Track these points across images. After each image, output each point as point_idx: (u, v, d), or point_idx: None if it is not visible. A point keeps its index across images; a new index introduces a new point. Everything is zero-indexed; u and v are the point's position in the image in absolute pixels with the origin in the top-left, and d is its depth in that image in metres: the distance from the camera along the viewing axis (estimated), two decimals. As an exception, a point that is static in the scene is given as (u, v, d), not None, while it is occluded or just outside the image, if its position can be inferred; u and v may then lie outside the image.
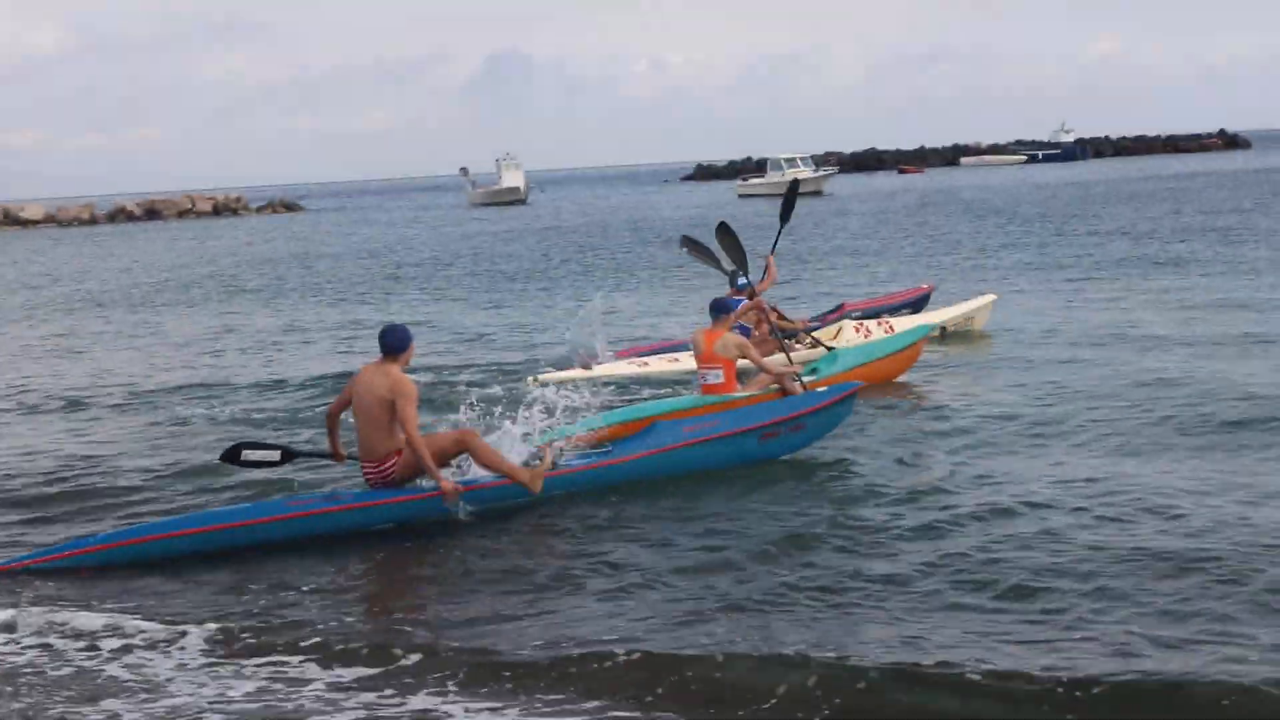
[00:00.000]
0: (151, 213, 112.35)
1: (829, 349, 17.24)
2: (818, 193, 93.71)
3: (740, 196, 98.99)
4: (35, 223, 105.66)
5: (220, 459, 11.69)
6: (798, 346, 17.71)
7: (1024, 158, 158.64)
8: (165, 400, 18.51)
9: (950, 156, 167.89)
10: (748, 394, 14.49)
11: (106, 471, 13.90)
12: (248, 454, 11.62)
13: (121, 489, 13.07)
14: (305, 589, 9.86)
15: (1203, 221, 44.85)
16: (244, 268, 48.37)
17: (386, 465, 11.11)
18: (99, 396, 19.15)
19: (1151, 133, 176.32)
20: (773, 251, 18.51)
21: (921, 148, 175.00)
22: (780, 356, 16.12)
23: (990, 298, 21.88)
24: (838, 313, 20.55)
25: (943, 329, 20.49)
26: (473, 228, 72.23)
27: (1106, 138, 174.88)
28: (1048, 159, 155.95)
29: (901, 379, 17.26)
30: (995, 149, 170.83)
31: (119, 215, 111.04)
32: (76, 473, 13.86)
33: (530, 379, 17.13)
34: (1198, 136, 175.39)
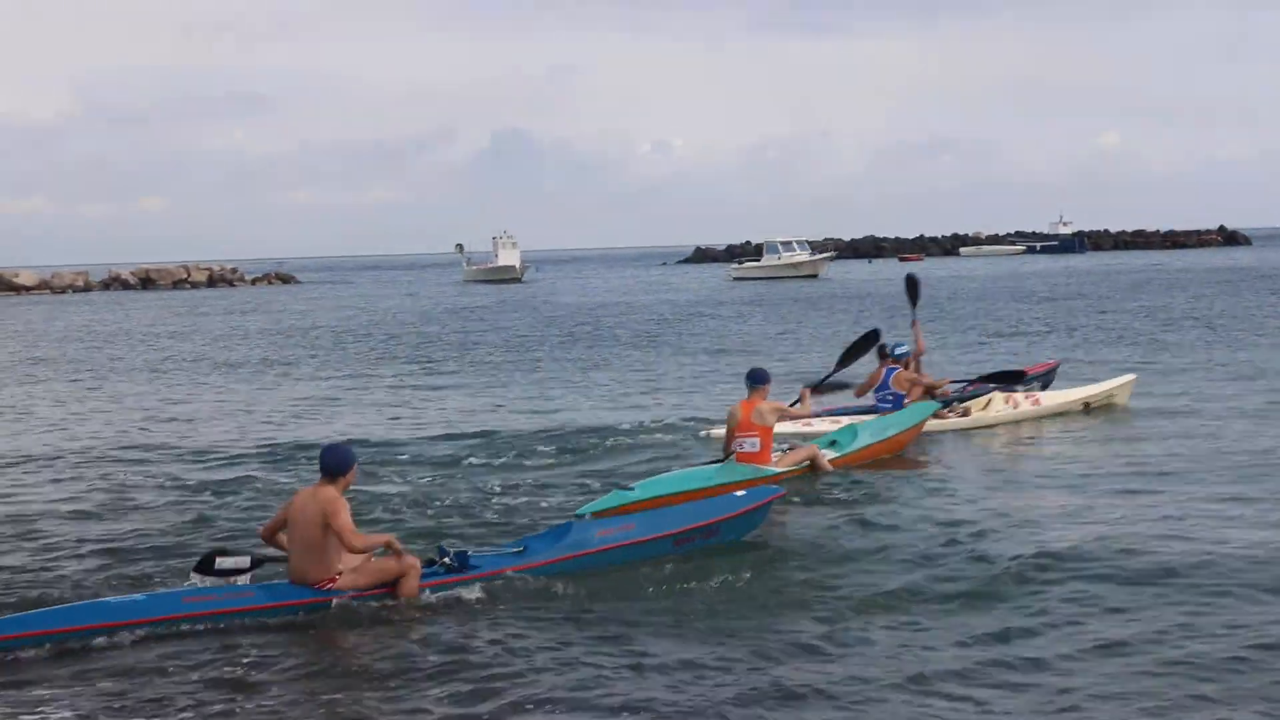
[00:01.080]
0: (146, 282, 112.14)
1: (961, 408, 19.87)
2: (814, 276, 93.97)
3: (734, 279, 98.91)
4: (28, 289, 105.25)
5: (194, 570, 10.89)
6: (948, 414, 19.68)
7: (1022, 248, 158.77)
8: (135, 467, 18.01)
9: (949, 246, 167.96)
10: (780, 470, 15.27)
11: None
12: (221, 562, 10.92)
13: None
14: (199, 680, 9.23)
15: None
16: (229, 340, 47.82)
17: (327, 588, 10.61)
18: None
19: (1151, 227, 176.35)
20: (914, 322, 20.92)
21: (921, 236, 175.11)
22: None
23: (1131, 377, 22.65)
24: (975, 384, 21.27)
25: (1086, 404, 21.43)
26: (462, 302, 71.84)
27: (1106, 231, 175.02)
28: (1045, 250, 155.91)
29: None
30: (994, 239, 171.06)
31: (114, 283, 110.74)
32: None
33: (703, 432, 18.91)
34: (1197, 232, 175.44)
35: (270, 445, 19.65)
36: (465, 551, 11.22)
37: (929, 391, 19.64)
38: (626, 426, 20.41)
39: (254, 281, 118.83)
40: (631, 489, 14.07)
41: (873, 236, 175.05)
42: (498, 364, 33.80)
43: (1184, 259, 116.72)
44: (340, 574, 10.62)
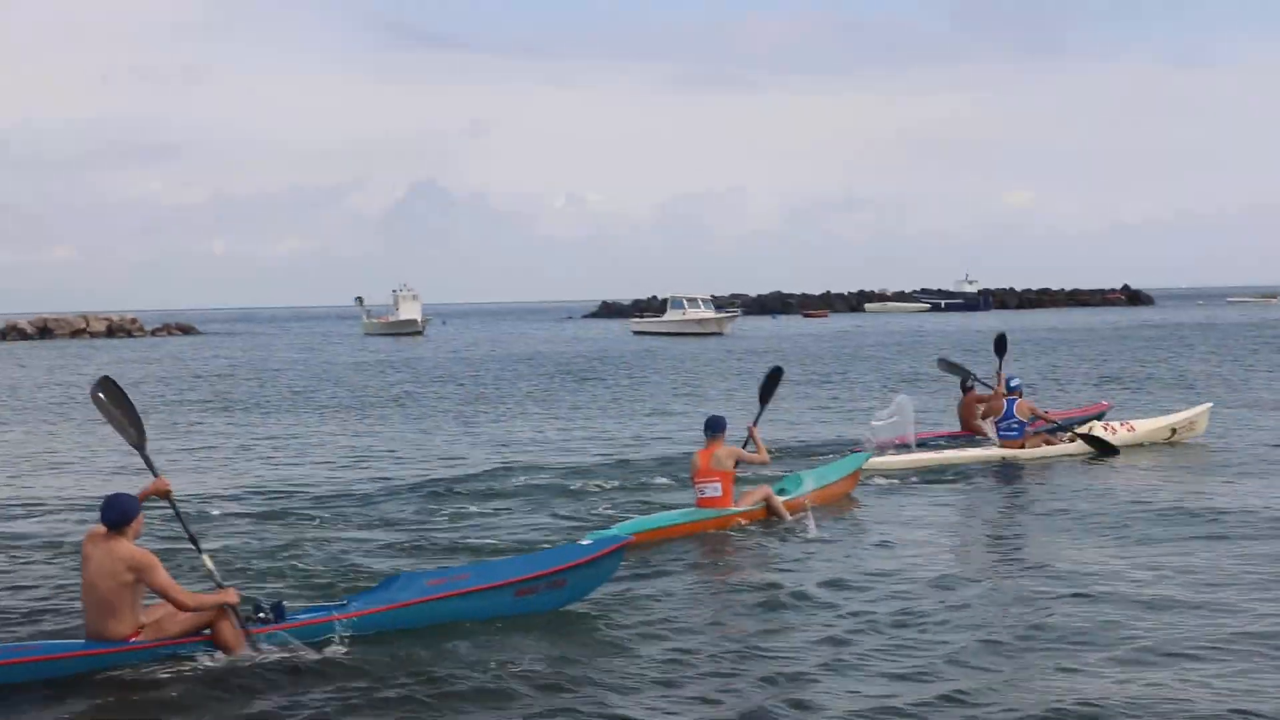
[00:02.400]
0: (45, 331, 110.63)
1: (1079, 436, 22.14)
2: (719, 333, 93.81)
3: (635, 334, 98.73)
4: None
5: None
6: (1059, 440, 22.13)
7: (927, 306, 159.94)
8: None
9: (855, 302, 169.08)
10: (741, 509, 16.06)
11: None
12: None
13: None
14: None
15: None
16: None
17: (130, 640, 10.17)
18: None
19: (1057, 285, 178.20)
20: (998, 371, 23.13)
21: (828, 293, 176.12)
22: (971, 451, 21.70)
23: (1208, 405, 24.52)
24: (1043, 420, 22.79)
25: (1173, 430, 23.15)
26: (353, 356, 71.16)
27: (1011, 289, 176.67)
28: (950, 308, 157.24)
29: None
30: (900, 296, 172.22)
31: (10, 333, 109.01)
32: None
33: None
34: (1101, 291, 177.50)
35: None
36: (280, 603, 10.77)
37: (1044, 420, 22.42)
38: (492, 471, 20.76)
39: (153, 332, 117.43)
40: (610, 530, 14.51)
41: (780, 293, 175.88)
42: (374, 416, 33.31)
43: (1087, 317, 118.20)
44: (141, 630, 10.19)
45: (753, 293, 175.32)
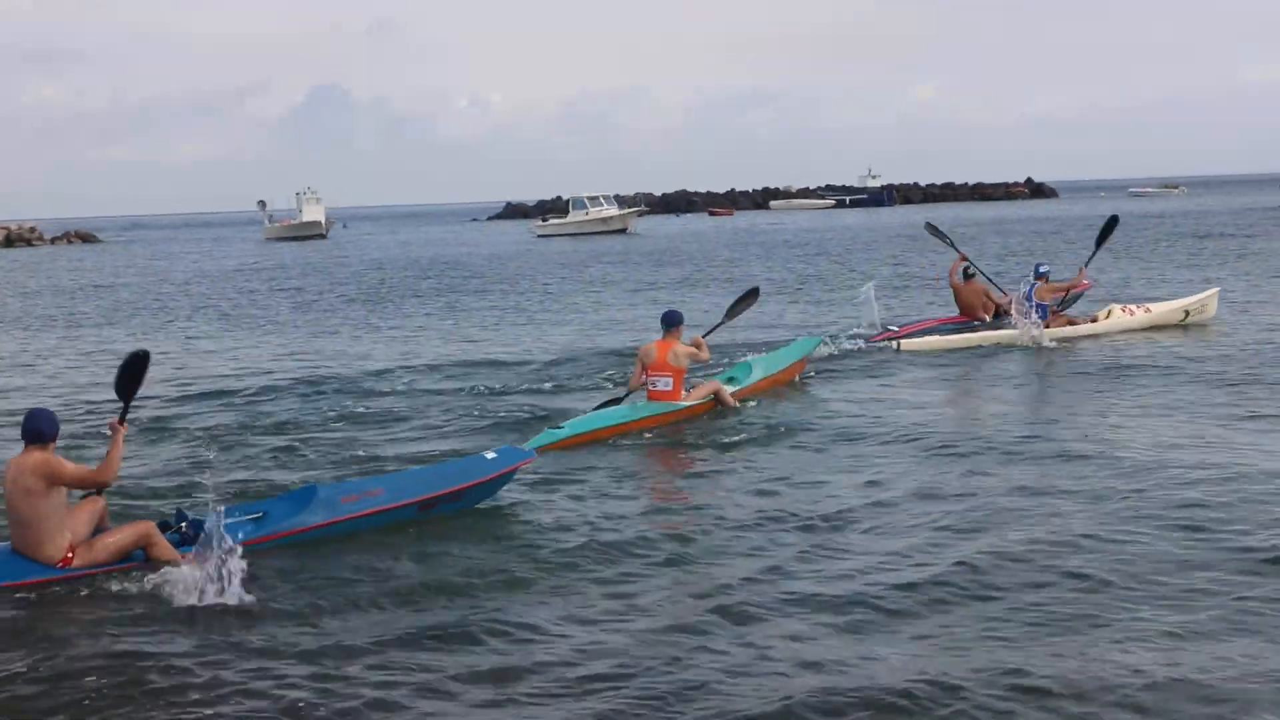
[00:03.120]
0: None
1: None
2: (623, 231, 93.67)
3: (539, 236, 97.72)
4: None
5: None
6: (1080, 321, 23.83)
7: (832, 202, 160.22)
8: None
9: (760, 200, 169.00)
10: (690, 403, 16.49)
11: None
12: None
13: None
14: None
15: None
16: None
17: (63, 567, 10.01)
18: None
19: (960, 180, 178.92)
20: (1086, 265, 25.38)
21: (732, 190, 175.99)
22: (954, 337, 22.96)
23: (1216, 290, 26.01)
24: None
25: (1186, 312, 24.53)
26: (260, 260, 70.32)
27: (915, 184, 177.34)
28: (855, 204, 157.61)
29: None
30: (805, 193, 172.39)
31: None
32: None
33: (896, 345, 22.21)
34: (1005, 185, 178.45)
35: None
36: (200, 520, 10.58)
37: (1066, 292, 24.29)
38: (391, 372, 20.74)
39: (53, 241, 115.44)
40: (561, 427, 15.27)
41: (684, 191, 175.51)
42: (278, 320, 32.95)
43: (990, 210, 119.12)
44: (74, 553, 10.04)
45: (657, 191, 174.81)
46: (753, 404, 17.34)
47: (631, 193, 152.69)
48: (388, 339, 27.88)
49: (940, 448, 14.30)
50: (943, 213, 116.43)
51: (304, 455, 14.95)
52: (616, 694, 7.80)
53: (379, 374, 21.47)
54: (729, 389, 17.33)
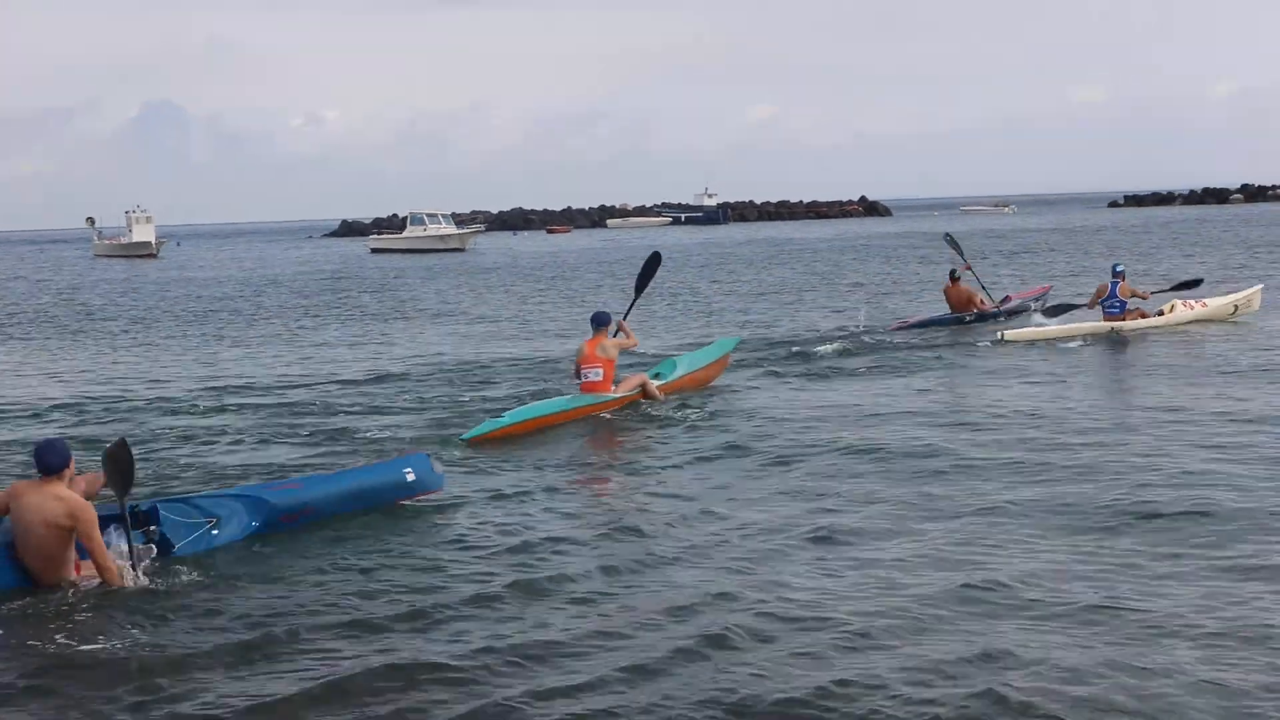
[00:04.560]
0: None
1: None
2: (460, 249, 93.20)
3: (373, 251, 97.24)
4: None
5: None
6: (1150, 315, 26.01)
7: (669, 220, 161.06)
8: None
9: (597, 218, 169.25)
10: (619, 394, 17.95)
11: None
12: None
13: None
14: None
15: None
16: None
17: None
18: None
19: (795, 198, 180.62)
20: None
21: (569, 208, 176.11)
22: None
23: (1260, 286, 28.73)
24: (1007, 301, 30.21)
25: (1235, 306, 27.20)
26: (90, 280, 68.87)
27: (751, 202, 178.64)
28: (690, 221, 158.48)
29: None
30: (641, 211, 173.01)
31: None
32: None
33: (1000, 335, 24.63)
34: (839, 203, 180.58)
35: None
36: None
37: (1140, 297, 26.18)
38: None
39: None
40: (501, 417, 16.53)
41: (521, 209, 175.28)
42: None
43: (825, 229, 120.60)
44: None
45: (494, 209, 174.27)
46: (675, 399, 18.58)
47: (469, 210, 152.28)
48: (208, 360, 27.27)
49: (887, 454, 14.59)
50: (777, 231, 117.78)
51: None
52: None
53: (174, 397, 20.93)
54: (655, 383, 18.77)
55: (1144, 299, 26.25)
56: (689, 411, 17.76)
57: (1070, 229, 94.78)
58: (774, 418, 17.26)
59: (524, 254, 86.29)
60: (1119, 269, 26.33)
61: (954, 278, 29.19)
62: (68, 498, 9.75)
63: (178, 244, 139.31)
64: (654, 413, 17.82)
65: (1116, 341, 24.44)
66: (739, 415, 17.52)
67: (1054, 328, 25.53)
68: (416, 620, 9.12)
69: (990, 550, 10.44)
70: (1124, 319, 25.59)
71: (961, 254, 30.61)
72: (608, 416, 17.59)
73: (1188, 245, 63.69)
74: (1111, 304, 25.86)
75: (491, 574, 10.14)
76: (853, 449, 14.81)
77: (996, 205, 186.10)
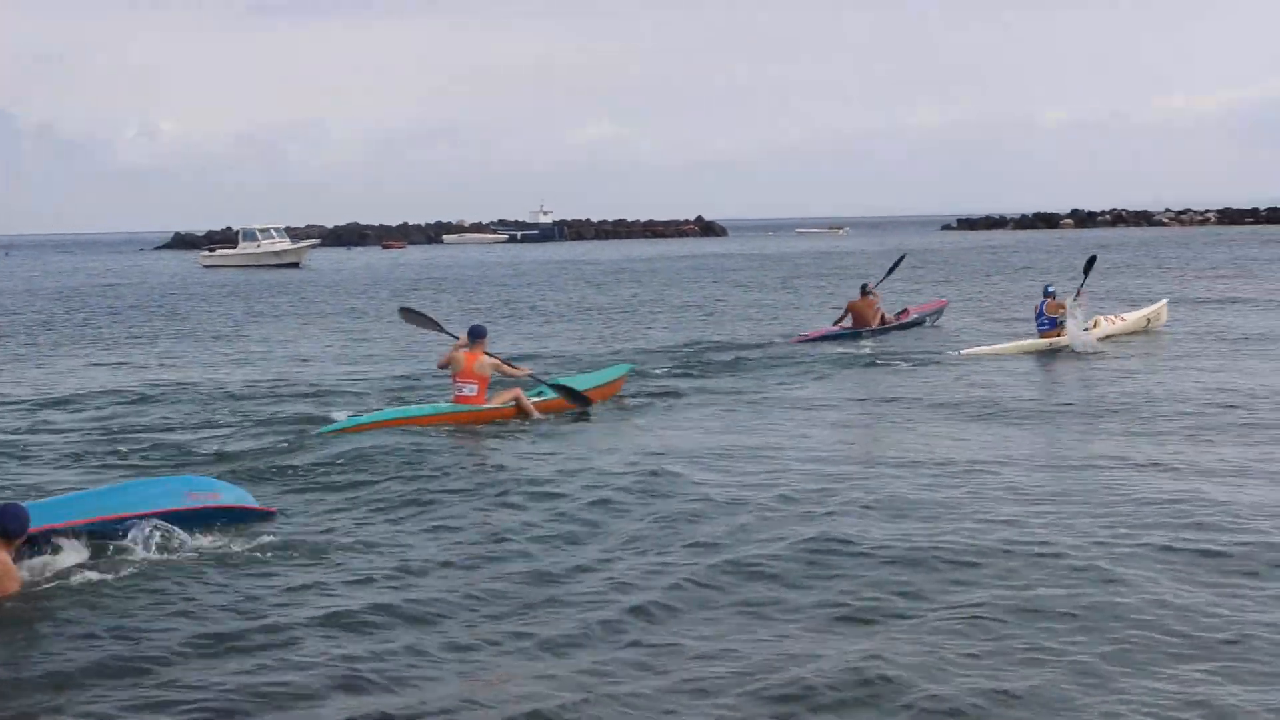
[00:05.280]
0: None
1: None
2: (296, 264, 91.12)
3: (205, 267, 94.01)
4: None
5: None
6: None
7: (504, 237, 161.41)
8: None
9: (433, 234, 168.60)
10: (492, 406, 18.19)
11: None
12: None
13: None
14: None
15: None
16: None
17: None
18: None
19: (633, 217, 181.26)
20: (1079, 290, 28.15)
21: (405, 224, 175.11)
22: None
23: (1165, 301, 31.70)
24: (905, 314, 32.50)
25: (1148, 320, 30.00)
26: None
27: (588, 220, 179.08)
28: (526, 239, 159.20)
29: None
30: (477, 227, 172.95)
31: None
32: None
33: (962, 352, 26.19)
34: (676, 223, 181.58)
35: None
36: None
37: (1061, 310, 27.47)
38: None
39: None
40: (361, 417, 17.43)
41: (356, 224, 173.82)
42: None
43: (658, 247, 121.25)
44: None
45: (329, 224, 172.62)
46: (552, 417, 18.69)
47: (303, 224, 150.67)
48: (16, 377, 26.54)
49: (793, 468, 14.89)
50: (614, 250, 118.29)
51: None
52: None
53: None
54: (533, 400, 18.75)
55: (1063, 308, 27.60)
56: (565, 430, 17.81)
57: (896, 251, 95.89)
58: (646, 447, 16.41)
59: (361, 270, 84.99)
60: (1050, 290, 28.04)
61: (865, 291, 30.87)
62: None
63: (6, 254, 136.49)
64: (525, 429, 17.81)
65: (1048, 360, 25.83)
66: (605, 437, 17.21)
67: (1007, 345, 27.27)
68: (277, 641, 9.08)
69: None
70: (1056, 334, 27.17)
71: (890, 272, 35.18)
72: (478, 429, 17.48)
73: (1014, 270, 65.24)
74: (1042, 321, 27.67)
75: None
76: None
77: (831, 228, 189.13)
